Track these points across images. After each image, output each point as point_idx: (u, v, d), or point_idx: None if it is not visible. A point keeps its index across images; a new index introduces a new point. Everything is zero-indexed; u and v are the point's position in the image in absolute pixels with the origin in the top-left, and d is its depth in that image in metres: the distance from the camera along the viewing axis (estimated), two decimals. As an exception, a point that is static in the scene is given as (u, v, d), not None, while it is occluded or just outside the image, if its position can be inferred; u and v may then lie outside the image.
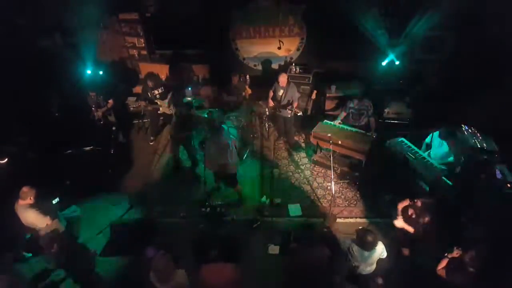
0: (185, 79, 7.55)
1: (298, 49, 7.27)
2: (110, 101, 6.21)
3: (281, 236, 4.75)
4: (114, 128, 6.27)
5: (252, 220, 5.03)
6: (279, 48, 7.25)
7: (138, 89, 7.11)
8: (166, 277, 3.29)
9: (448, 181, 4.54)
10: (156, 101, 6.33)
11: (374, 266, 3.77)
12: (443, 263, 3.56)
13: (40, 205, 4.17)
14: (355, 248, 3.64)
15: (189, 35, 7.05)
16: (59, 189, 4.99)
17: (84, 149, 5.48)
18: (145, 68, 7.54)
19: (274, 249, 4.64)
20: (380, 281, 3.87)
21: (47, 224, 4.17)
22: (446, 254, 3.55)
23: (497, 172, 4.30)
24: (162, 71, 7.52)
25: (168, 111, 6.44)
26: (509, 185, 4.17)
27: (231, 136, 5.88)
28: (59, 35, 6.81)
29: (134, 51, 7.57)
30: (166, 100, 6.38)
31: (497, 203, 4.03)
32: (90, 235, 4.92)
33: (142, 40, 7.40)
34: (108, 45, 7.36)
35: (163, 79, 7.43)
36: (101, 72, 6.51)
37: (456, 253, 3.49)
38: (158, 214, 5.18)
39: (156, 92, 6.30)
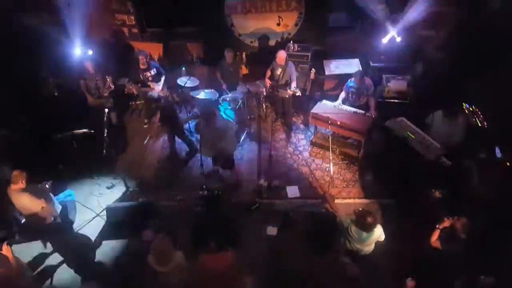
0: (179, 58, 7.41)
1: (296, 25, 7.13)
2: (109, 78, 6.07)
3: (280, 217, 4.84)
4: (106, 110, 6.21)
5: (250, 202, 5.10)
6: (278, 24, 7.10)
7: (130, 69, 6.98)
8: (165, 259, 3.37)
9: (448, 161, 4.59)
10: (148, 83, 6.24)
11: (372, 246, 3.86)
12: (436, 234, 3.71)
13: (33, 188, 4.21)
14: (353, 228, 3.72)
15: (181, 12, 6.87)
16: (52, 173, 5.04)
17: (77, 132, 5.43)
18: (136, 47, 7.36)
19: (272, 230, 4.74)
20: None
21: (42, 207, 4.21)
22: (437, 226, 3.70)
23: (497, 151, 4.36)
24: (155, 50, 7.38)
25: (162, 95, 6.35)
26: (508, 164, 4.25)
27: (228, 118, 5.91)
28: (45, 13, 6.62)
29: (125, 29, 7.37)
30: (160, 83, 6.29)
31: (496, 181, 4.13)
32: (85, 219, 4.98)
33: (133, 18, 7.20)
34: (96, 23, 7.17)
35: (156, 59, 7.31)
36: (90, 52, 6.39)
37: (447, 222, 3.64)
38: (154, 198, 5.22)
39: (148, 74, 6.19)
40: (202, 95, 6.23)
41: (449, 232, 3.65)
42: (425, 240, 3.79)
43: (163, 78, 6.35)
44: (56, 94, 6.14)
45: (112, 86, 6.05)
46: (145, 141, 6.24)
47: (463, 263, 3.56)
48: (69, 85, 6.24)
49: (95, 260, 4.49)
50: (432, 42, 6.65)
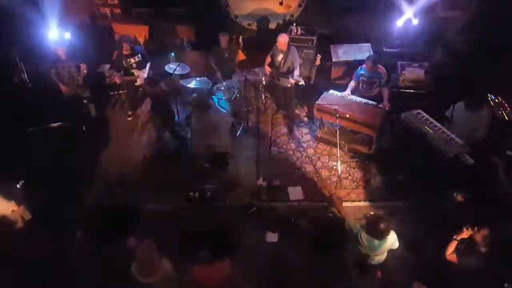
0: (167, 43, 7.38)
1: (300, 5, 7.10)
2: (83, 65, 6.02)
3: (281, 222, 4.82)
4: (85, 101, 6.15)
5: (247, 205, 5.07)
6: (281, 3, 7.07)
7: (111, 55, 6.94)
8: (150, 270, 3.31)
9: (471, 159, 4.56)
10: (132, 71, 6.19)
11: (384, 255, 3.82)
12: (452, 246, 3.61)
13: (2, 189, 4.20)
14: (364, 235, 3.67)
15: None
16: (25, 171, 4.98)
17: (52, 125, 5.37)
18: (119, 29, 7.32)
19: (272, 237, 4.70)
20: (379, 274, 3.94)
21: (12, 210, 4.20)
22: (454, 237, 3.60)
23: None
24: (140, 33, 7.32)
25: None
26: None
27: (222, 110, 5.86)
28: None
29: (106, 9, 7.35)
30: (145, 70, 6.25)
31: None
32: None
33: (116, -4, 7.18)
34: (74, 2, 7.07)
35: (141, 43, 7.26)
36: (68, 35, 6.32)
37: (466, 233, 3.54)
38: (139, 199, 5.17)
39: (132, 60, 6.16)
40: (193, 84, 6.17)
41: (467, 244, 3.56)
42: (441, 250, 3.73)
43: (148, 65, 6.31)
44: (29, 84, 6.06)
45: (85, 72, 6.00)
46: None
47: (483, 278, 3.47)
48: (42, 73, 6.16)
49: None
50: (453, 24, 6.64)
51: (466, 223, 3.61)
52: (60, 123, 5.40)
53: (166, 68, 6.36)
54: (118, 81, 6.29)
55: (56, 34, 6.02)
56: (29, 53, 6.18)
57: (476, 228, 3.49)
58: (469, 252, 3.52)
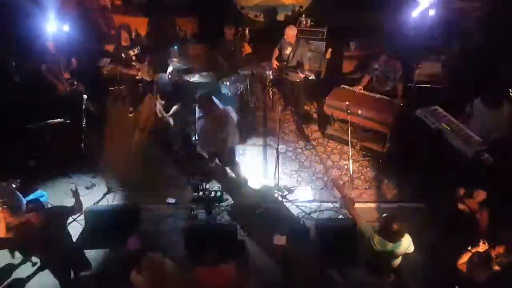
0: (170, 35, 7.37)
1: (309, -5, 7.10)
2: (73, 60, 6.04)
3: (289, 224, 4.81)
4: (85, 96, 6.11)
5: (254, 206, 5.06)
6: None
7: (110, 47, 6.94)
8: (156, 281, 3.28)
9: (490, 157, 4.51)
10: (132, 63, 6.19)
11: (399, 260, 3.76)
12: (465, 257, 3.59)
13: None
14: (376, 238, 3.59)
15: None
16: (22, 170, 5.02)
17: (50, 122, 5.36)
18: (119, 21, 7.26)
19: (280, 240, 4.62)
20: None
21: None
22: (469, 248, 3.57)
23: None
24: (141, 25, 7.32)
25: (147, 77, 6.33)
26: None
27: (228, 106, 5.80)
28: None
29: (107, 0, 7.33)
30: (145, 63, 6.26)
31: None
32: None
33: (116, -14, 7.19)
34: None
35: (141, 35, 7.27)
36: (65, 28, 6.28)
37: (481, 247, 3.50)
38: (142, 199, 5.14)
39: (131, 52, 6.15)
40: (197, 78, 6.12)
41: (482, 258, 3.51)
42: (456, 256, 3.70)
43: (147, 57, 6.33)
44: (18, 78, 6.07)
45: (75, 66, 6.05)
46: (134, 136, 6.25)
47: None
48: (35, 69, 6.13)
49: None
50: (471, 15, 6.57)
51: (485, 229, 3.64)
52: (59, 119, 5.39)
53: (168, 62, 6.32)
54: (118, 74, 6.30)
55: (54, 27, 5.97)
56: (23, 47, 6.15)
57: (492, 243, 3.46)
58: (481, 266, 3.49)
